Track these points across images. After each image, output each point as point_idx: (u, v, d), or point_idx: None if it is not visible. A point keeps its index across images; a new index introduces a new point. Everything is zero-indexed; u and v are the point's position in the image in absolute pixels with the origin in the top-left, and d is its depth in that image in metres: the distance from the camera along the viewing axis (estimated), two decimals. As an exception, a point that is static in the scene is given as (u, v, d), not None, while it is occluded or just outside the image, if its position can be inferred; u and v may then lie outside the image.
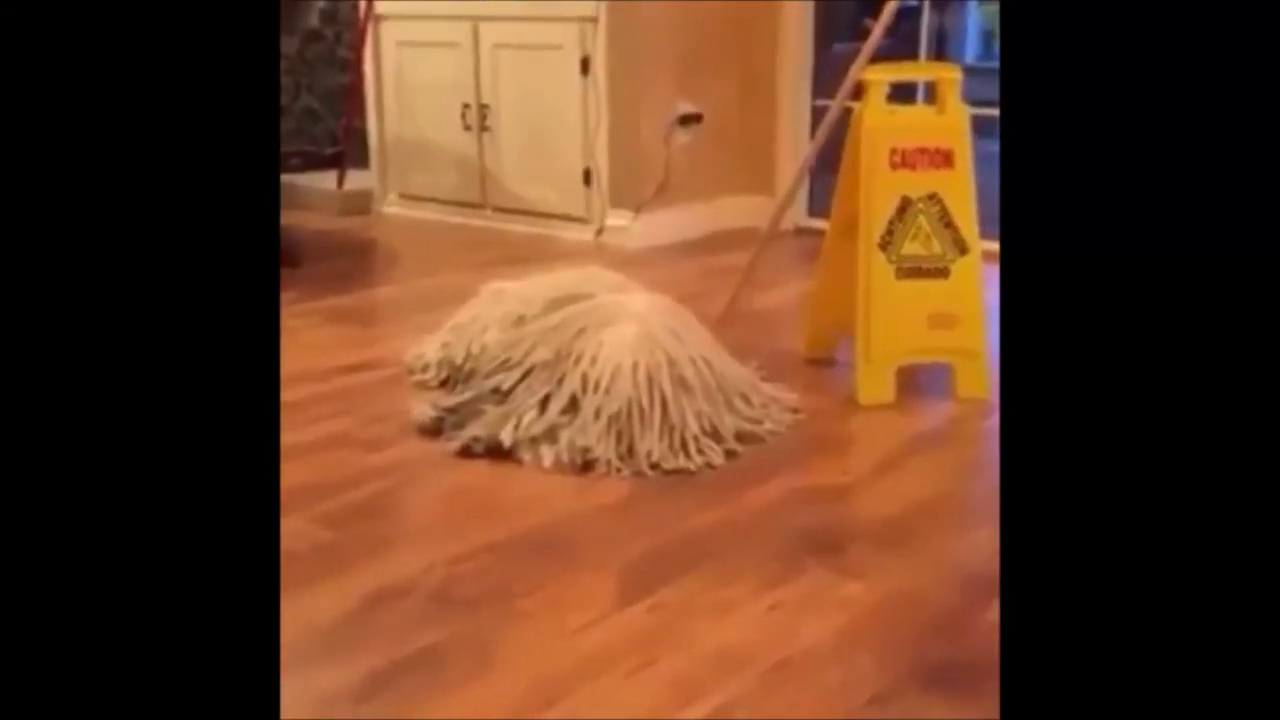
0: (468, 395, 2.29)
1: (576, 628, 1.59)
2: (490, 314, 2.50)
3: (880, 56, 2.60)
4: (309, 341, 2.92)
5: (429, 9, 4.31)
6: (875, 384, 2.45)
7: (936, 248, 2.45)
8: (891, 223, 2.42)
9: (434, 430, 2.25)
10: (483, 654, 1.53)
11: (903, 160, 2.42)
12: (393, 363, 2.71)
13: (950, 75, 2.48)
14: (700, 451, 2.13)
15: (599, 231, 4.05)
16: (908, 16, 3.99)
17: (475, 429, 2.19)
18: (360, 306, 3.33)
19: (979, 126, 2.53)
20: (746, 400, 2.31)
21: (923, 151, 2.42)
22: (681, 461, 2.10)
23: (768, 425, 2.28)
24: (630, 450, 2.10)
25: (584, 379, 2.17)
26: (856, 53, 2.59)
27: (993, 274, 2.55)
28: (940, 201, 2.44)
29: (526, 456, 2.13)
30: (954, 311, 2.47)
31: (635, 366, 2.16)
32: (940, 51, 6.35)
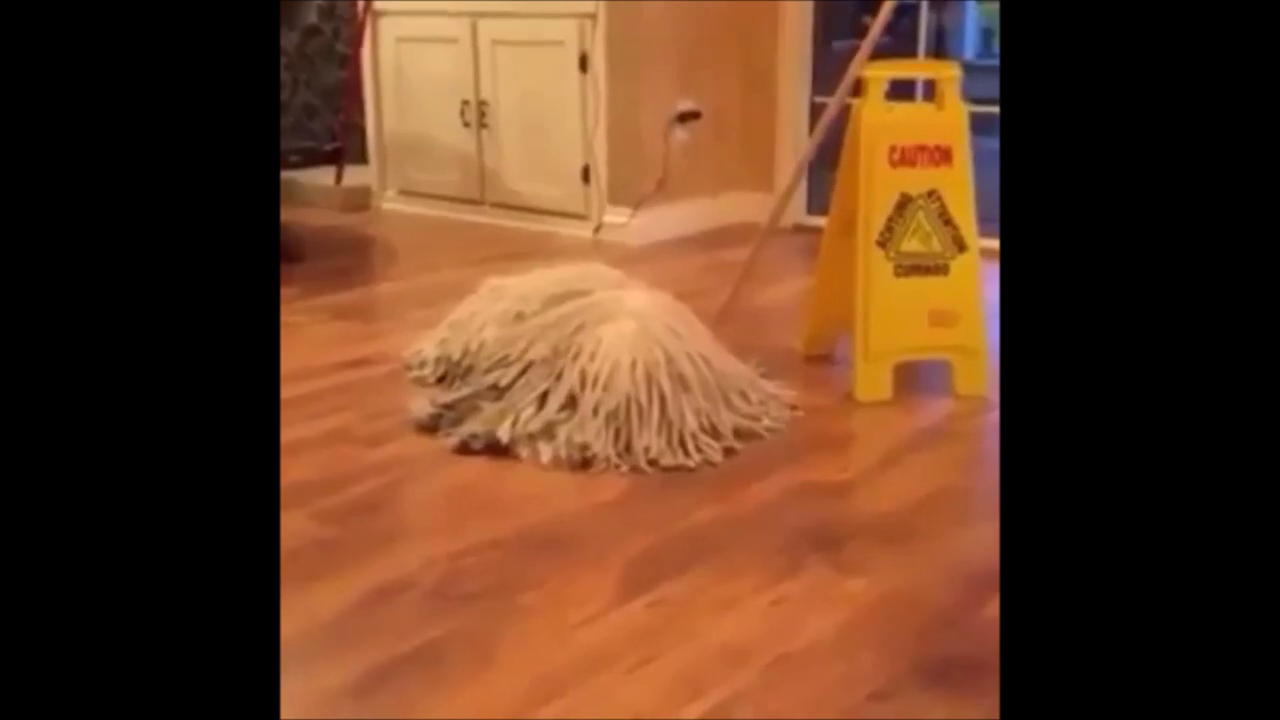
0: (465, 392, 2.30)
1: (577, 624, 1.60)
2: (489, 311, 2.50)
3: (879, 53, 2.60)
4: (309, 337, 2.92)
5: (428, 5, 4.31)
6: (874, 381, 2.46)
7: (935, 245, 2.45)
8: (890, 220, 2.42)
9: (431, 427, 2.25)
10: (483, 650, 1.53)
11: (902, 157, 2.42)
12: (392, 359, 2.71)
13: (949, 72, 2.48)
14: (699, 449, 2.13)
15: (597, 228, 4.05)
16: (907, 13, 4.00)
17: (473, 425, 2.19)
18: (359, 302, 3.33)
19: (978, 124, 2.53)
20: (745, 397, 2.32)
21: (922, 149, 2.43)
22: (680, 459, 2.11)
23: (766, 422, 2.28)
24: (628, 447, 2.11)
25: (582, 375, 2.17)
26: (856, 50, 2.59)
27: (991, 271, 2.56)
28: (939, 199, 2.44)
29: (524, 453, 2.13)
30: (953, 309, 2.47)
31: (634, 363, 2.16)
32: (939, 49, 6.35)
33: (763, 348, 2.69)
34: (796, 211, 4.12)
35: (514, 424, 2.16)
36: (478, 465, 2.13)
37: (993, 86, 3.13)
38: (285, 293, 3.31)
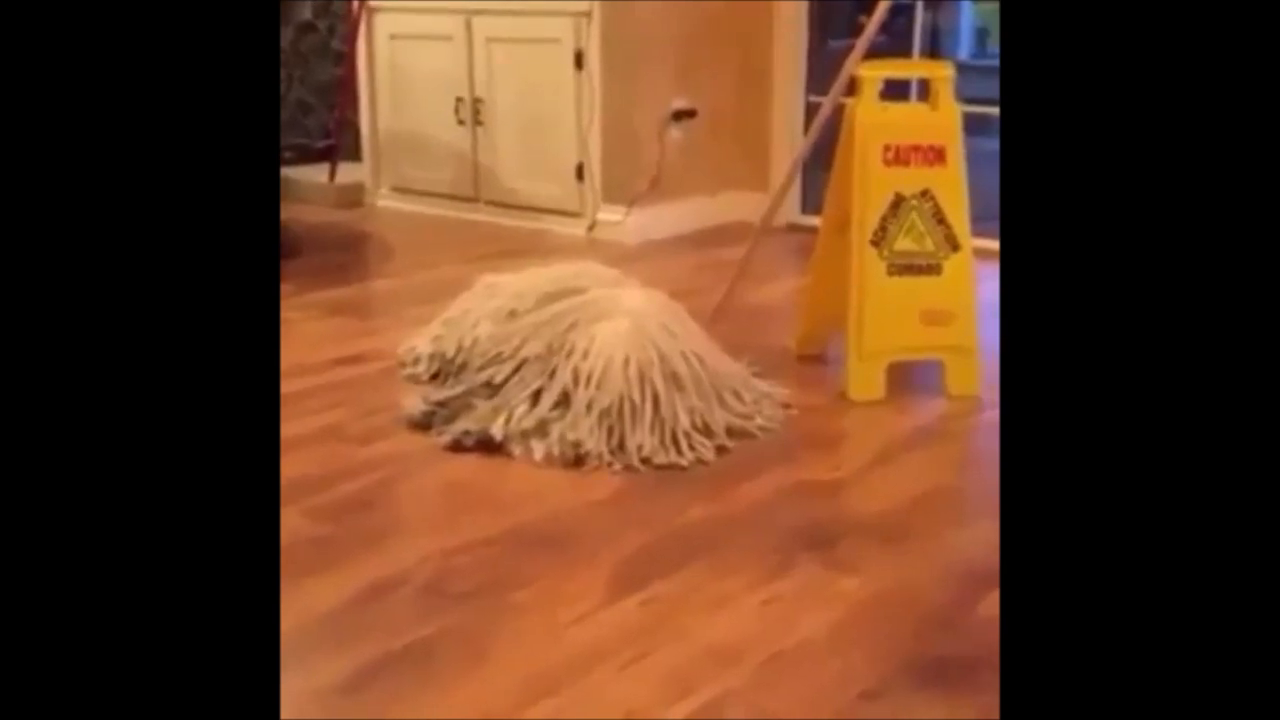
0: (459, 389, 2.30)
1: (569, 621, 1.60)
2: (482, 308, 2.50)
3: (874, 53, 2.60)
4: (302, 334, 2.92)
5: (422, 2, 4.30)
6: (867, 380, 2.46)
7: (929, 244, 2.45)
8: (884, 219, 2.43)
9: (424, 424, 2.25)
10: (475, 647, 1.53)
11: (896, 157, 2.43)
12: (386, 355, 2.71)
13: (943, 73, 2.48)
14: (691, 447, 2.14)
15: (591, 226, 4.05)
16: (902, 13, 4.00)
17: (466, 423, 2.19)
18: (353, 299, 3.32)
19: (971, 124, 2.53)
20: (738, 396, 2.32)
21: (916, 148, 2.43)
22: (673, 457, 2.11)
23: (759, 421, 2.29)
24: (621, 445, 2.11)
25: (575, 373, 2.18)
26: (851, 49, 2.59)
27: (985, 271, 2.57)
28: (933, 198, 2.44)
29: (517, 450, 2.13)
30: (946, 308, 2.48)
31: (627, 361, 2.16)
32: (934, 49, 6.35)
33: (757, 346, 2.69)
34: (791, 210, 4.12)
35: (507, 421, 2.17)
36: (471, 463, 2.13)
37: (986, 87, 3.15)
38: (280, 289, 3.30)
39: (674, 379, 2.19)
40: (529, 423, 2.16)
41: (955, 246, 2.46)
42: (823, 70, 3.99)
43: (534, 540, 1.84)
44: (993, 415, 2.39)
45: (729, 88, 4.19)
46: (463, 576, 1.72)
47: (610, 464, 2.09)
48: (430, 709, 1.41)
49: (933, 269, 2.46)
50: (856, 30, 2.78)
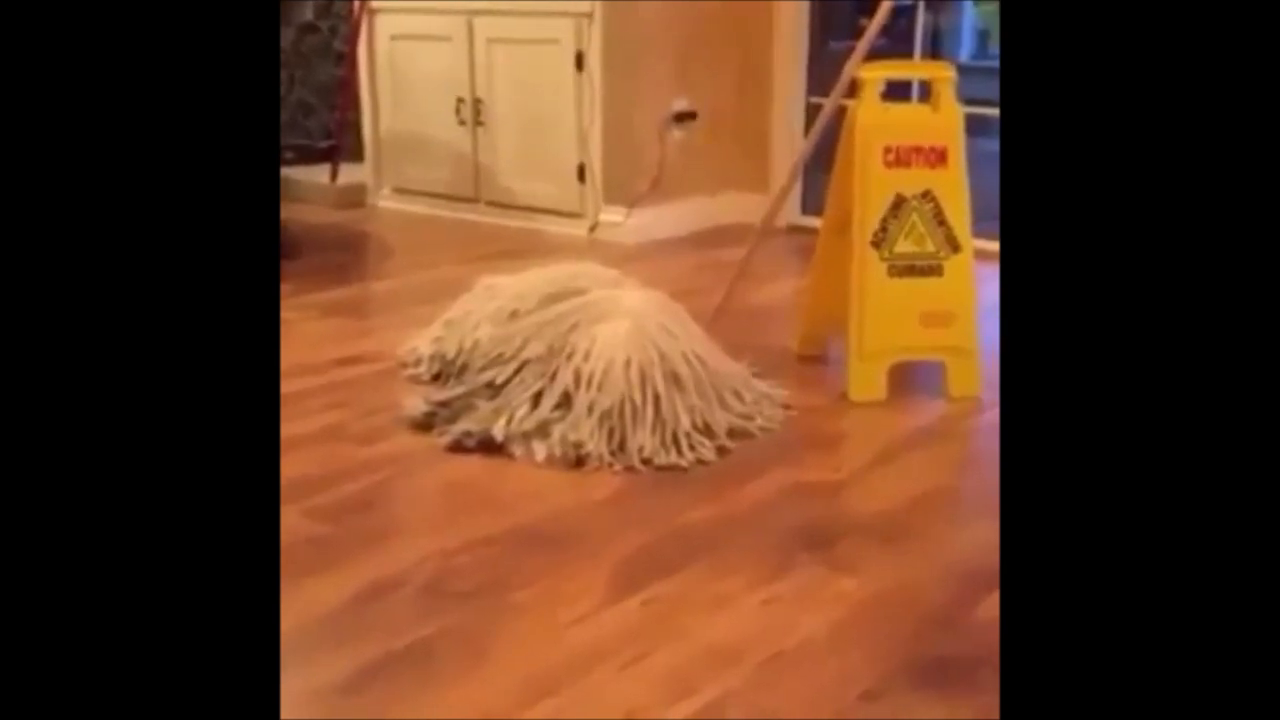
0: (460, 390, 2.30)
1: (570, 621, 1.60)
2: (483, 309, 2.50)
3: (875, 54, 2.60)
4: (303, 334, 2.92)
5: (424, 3, 4.31)
6: (867, 381, 2.46)
7: (930, 246, 2.45)
8: (885, 220, 2.43)
9: (426, 425, 2.25)
10: (476, 647, 1.53)
11: (897, 158, 2.43)
12: (387, 356, 2.71)
13: (945, 74, 2.48)
14: (692, 447, 2.14)
15: (593, 227, 4.05)
16: (903, 14, 4.00)
17: (467, 423, 2.19)
18: (355, 300, 3.33)
19: (973, 125, 2.54)
20: (739, 396, 2.32)
21: (917, 150, 2.43)
22: (673, 457, 2.11)
23: (759, 421, 2.29)
24: (622, 445, 2.11)
25: (577, 375, 2.18)
26: (852, 50, 2.59)
27: (985, 272, 2.57)
28: (934, 199, 2.44)
29: (518, 451, 2.13)
30: (947, 309, 2.48)
31: (628, 363, 2.17)
32: (935, 50, 6.36)
33: (757, 347, 2.70)
34: (791, 212, 4.12)
35: (508, 422, 2.17)
36: (472, 463, 2.13)
37: (988, 88, 3.14)
38: (280, 289, 3.31)
39: (675, 380, 2.19)
40: (530, 424, 2.16)
41: (956, 248, 2.46)
42: (823, 71, 4.00)
43: (534, 540, 1.84)
44: (993, 416, 2.39)
45: (730, 89, 4.19)
46: (463, 576, 1.72)
47: (611, 465, 2.09)
48: (430, 709, 1.41)
49: (934, 270, 2.46)
50: (857, 31, 2.78)
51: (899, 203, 2.43)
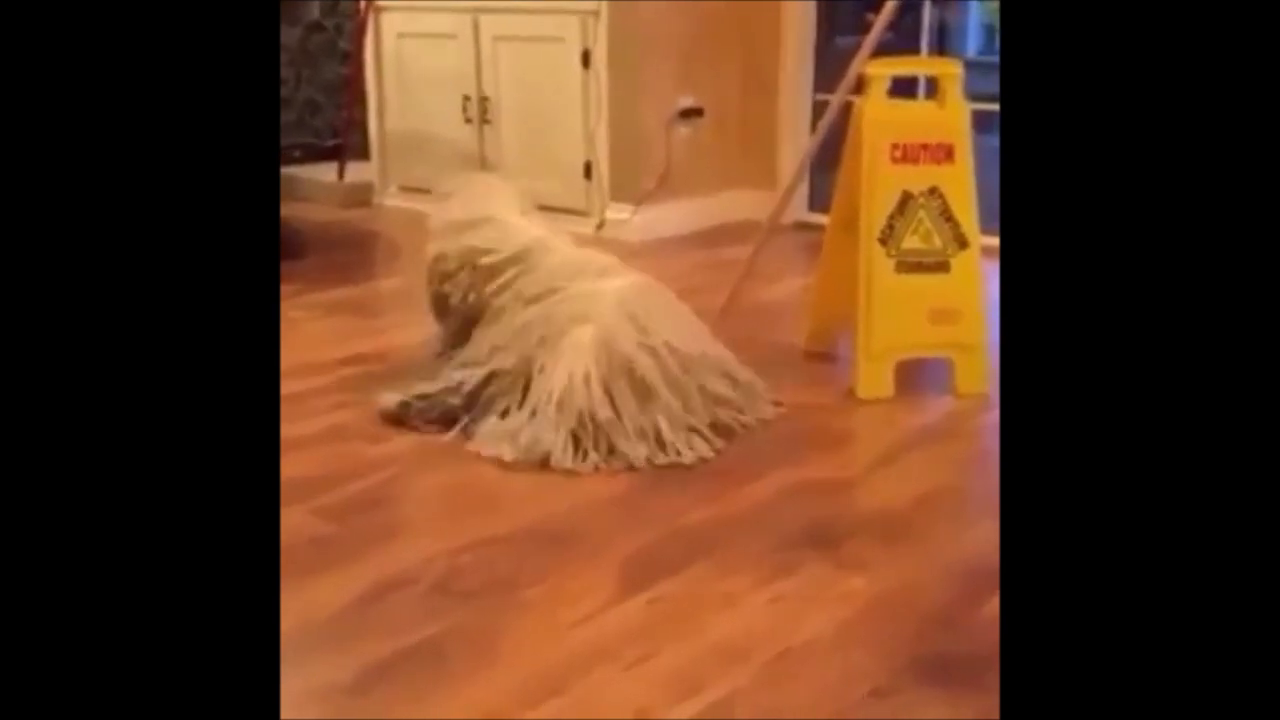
0: (435, 389, 2.29)
1: (576, 620, 1.60)
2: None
3: (882, 51, 2.59)
4: (310, 333, 2.92)
5: (429, 1, 4.31)
6: (875, 378, 2.45)
7: (937, 242, 2.45)
8: (892, 217, 2.42)
9: (400, 417, 2.28)
10: (482, 647, 1.53)
11: (904, 155, 2.42)
12: (394, 355, 2.71)
13: (951, 70, 2.48)
14: (690, 446, 2.12)
15: (599, 225, 4.04)
16: (909, 10, 3.99)
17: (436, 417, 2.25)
18: (362, 298, 3.33)
19: (980, 121, 2.53)
20: (729, 380, 2.28)
21: (924, 146, 2.42)
22: (672, 456, 2.10)
23: (748, 417, 2.27)
24: (611, 450, 2.10)
25: (540, 390, 2.16)
26: (858, 47, 2.59)
27: (993, 269, 2.56)
28: (941, 196, 2.44)
29: (486, 451, 2.13)
30: (954, 306, 2.47)
31: (588, 378, 2.14)
32: (941, 46, 6.34)
33: (764, 344, 2.69)
34: (798, 209, 4.11)
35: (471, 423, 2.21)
36: (477, 463, 2.13)
37: (995, 84, 3.13)
38: (286, 288, 3.31)
39: (643, 387, 2.15)
40: (499, 432, 2.15)
41: (963, 244, 2.46)
42: (830, 68, 3.99)
43: (541, 539, 1.84)
44: (999, 413, 2.39)
45: (736, 86, 4.18)
46: (470, 576, 1.72)
47: (597, 469, 2.08)
48: (437, 708, 1.41)
49: (941, 267, 2.45)
50: (864, 28, 2.77)
51: (906, 199, 2.42)
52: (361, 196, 4.67)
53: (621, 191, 3.98)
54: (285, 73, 5.00)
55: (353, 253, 3.97)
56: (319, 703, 1.42)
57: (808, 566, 1.74)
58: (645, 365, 2.17)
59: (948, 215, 2.44)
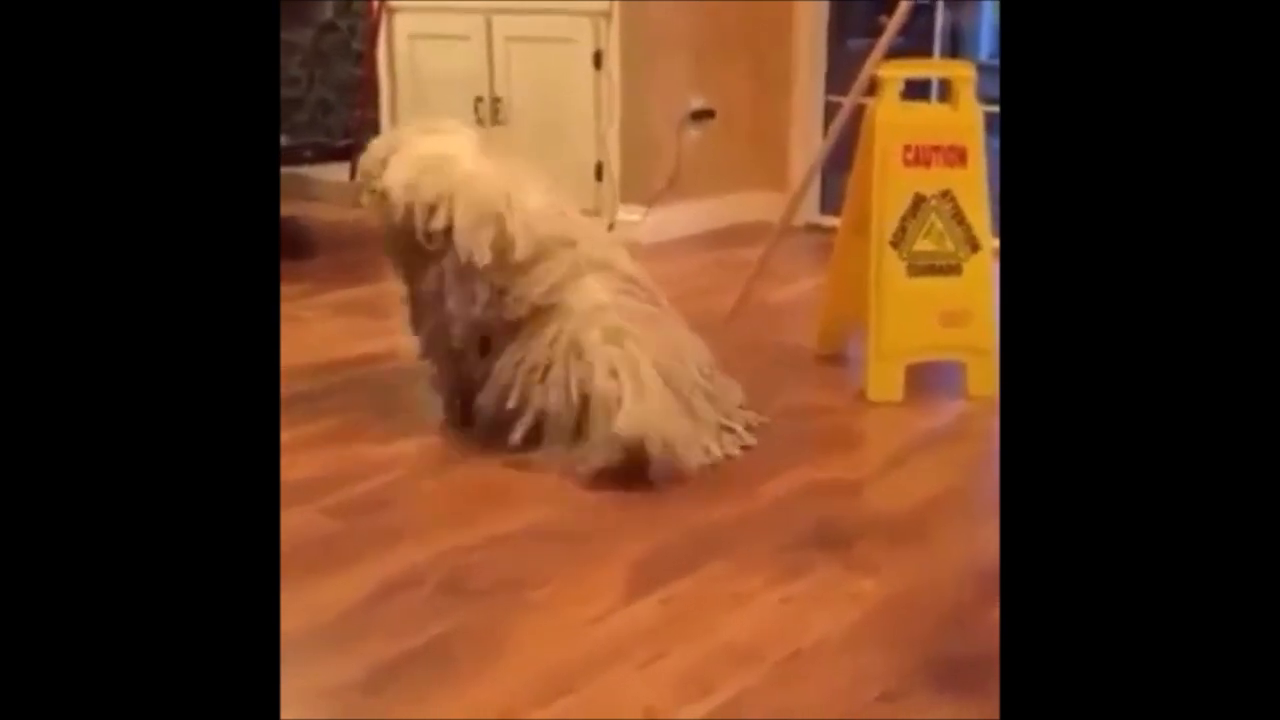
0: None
1: (587, 620, 1.59)
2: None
3: (894, 53, 2.59)
4: (319, 333, 2.93)
5: (442, 2, 4.31)
6: (886, 381, 2.45)
7: (949, 245, 2.44)
8: (904, 220, 2.42)
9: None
10: (493, 646, 1.53)
11: (916, 157, 2.42)
12: (404, 355, 2.71)
13: (964, 72, 2.47)
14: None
15: (610, 226, 4.04)
16: (922, 13, 3.98)
17: None
18: (371, 298, 3.33)
19: (992, 124, 2.52)
20: (705, 375, 2.22)
21: (936, 149, 2.42)
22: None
23: (739, 430, 2.22)
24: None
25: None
26: (871, 49, 2.58)
27: (1005, 272, 2.55)
28: (953, 199, 2.43)
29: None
30: (965, 309, 2.47)
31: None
32: (954, 49, 6.32)
33: (775, 346, 2.69)
34: (809, 211, 4.11)
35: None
36: (487, 462, 2.12)
37: (1008, 87, 3.13)
38: (296, 288, 3.31)
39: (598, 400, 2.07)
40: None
41: (975, 247, 2.45)
42: (842, 70, 3.98)
43: (551, 539, 1.84)
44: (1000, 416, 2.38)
45: (747, 87, 4.18)
46: (480, 575, 1.72)
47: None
48: (447, 707, 1.41)
49: (952, 269, 2.45)
50: (876, 30, 2.77)
51: (918, 202, 2.42)
52: (373, 197, 4.66)
53: (632, 193, 3.98)
54: (298, 73, 5.01)
55: (363, 253, 3.97)
56: (327, 702, 1.42)
57: (818, 568, 1.74)
58: (602, 385, 2.07)
59: (960, 218, 2.44)
